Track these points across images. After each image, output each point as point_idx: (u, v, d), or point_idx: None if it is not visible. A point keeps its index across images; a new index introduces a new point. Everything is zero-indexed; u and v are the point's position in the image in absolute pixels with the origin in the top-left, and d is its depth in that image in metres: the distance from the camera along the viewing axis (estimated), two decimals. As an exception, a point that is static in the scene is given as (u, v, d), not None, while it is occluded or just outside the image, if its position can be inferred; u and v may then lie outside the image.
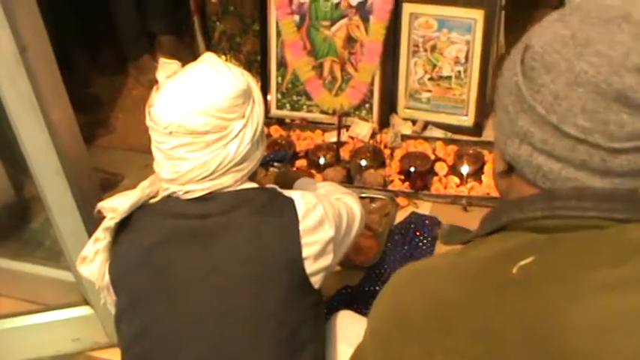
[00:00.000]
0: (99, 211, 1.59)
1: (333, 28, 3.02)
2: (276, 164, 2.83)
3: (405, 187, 2.74)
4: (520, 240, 1.01)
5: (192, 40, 3.56)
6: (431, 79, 3.04)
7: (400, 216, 2.64)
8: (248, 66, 3.41)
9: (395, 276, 1.16)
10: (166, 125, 1.45)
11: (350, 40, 3.02)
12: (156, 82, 1.54)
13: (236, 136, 1.48)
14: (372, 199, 2.68)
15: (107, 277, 1.58)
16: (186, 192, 1.51)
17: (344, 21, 3.00)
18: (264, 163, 2.80)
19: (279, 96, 3.18)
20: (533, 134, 0.99)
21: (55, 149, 1.84)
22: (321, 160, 2.87)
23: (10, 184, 2.65)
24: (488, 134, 3.04)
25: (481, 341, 0.94)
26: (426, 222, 2.58)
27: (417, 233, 2.54)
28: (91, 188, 2.02)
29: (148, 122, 1.50)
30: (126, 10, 3.58)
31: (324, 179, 2.77)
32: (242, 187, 1.55)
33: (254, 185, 1.59)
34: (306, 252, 1.52)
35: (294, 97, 3.17)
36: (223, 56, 3.45)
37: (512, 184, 1.09)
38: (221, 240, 1.50)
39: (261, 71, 3.21)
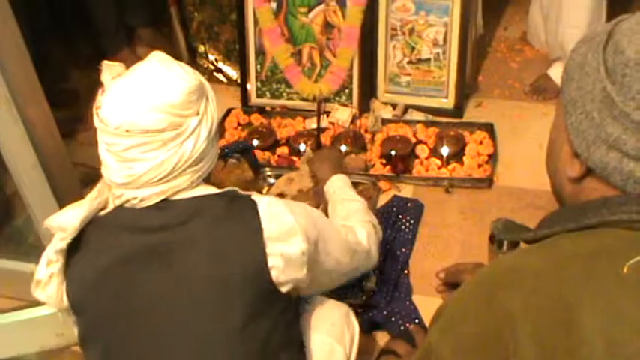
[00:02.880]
0: (47, 229, 1.51)
1: (311, 15, 3.02)
2: (235, 155, 2.67)
3: (387, 170, 2.74)
4: (617, 237, 1.01)
5: (170, 31, 3.54)
6: (410, 62, 3.04)
7: (382, 200, 2.64)
8: (227, 55, 3.40)
9: (475, 286, 1.11)
10: (118, 125, 1.38)
11: (328, 26, 3.01)
12: (101, 84, 1.47)
13: (192, 133, 1.43)
14: (355, 185, 2.67)
15: (65, 299, 1.49)
16: (142, 200, 1.44)
17: (321, 7, 2.99)
18: (223, 156, 2.73)
19: (259, 84, 3.17)
20: (625, 141, 0.98)
21: (32, 144, 1.83)
22: (302, 147, 2.86)
23: (-9, 182, 2.64)
24: (468, 115, 3.05)
25: (603, 338, 0.93)
26: (409, 205, 2.58)
27: (400, 217, 2.54)
28: (70, 182, 2.02)
29: (97, 124, 1.43)
30: (103, 3, 3.55)
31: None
32: (198, 192, 1.49)
33: (210, 190, 1.52)
34: (271, 261, 1.44)
35: (274, 85, 3.16)
36: (202, 46, 3.45)
37: (585, 189, 1.08)
38: (181, 258, 1.43)
39: (240, 60, 3.20)
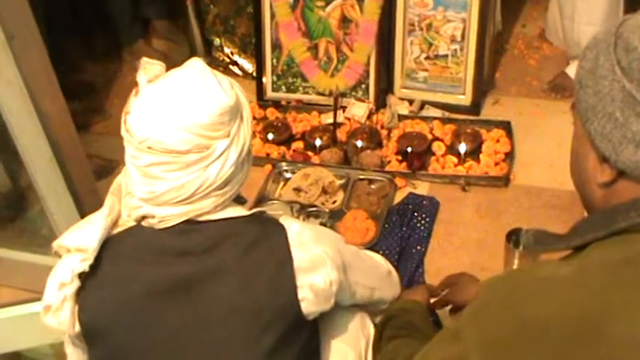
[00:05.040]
0: (56, 252, 1.39)
1: (328, 9, 3.00)
2: None
3: (403, 167, 2.72)
4: None
5: (186, 24, 3.53)
6: (427, 58, 3.02)
7: (398, 197, 2.62)
8: (243, 48, 3.39)
9: (506, 287, 1.11)
10: (142, 140, 1.30)
11: (345, 21, 3.00)
12: (135, 84, 1.37)
13: (219, 157, 1.32)
14: (371, 181, 2.67)
15: (77, 325, 1.39)
16: (161, 220, 1.36)
17: (338, 1, 2.98)
18: None
19: (275, 78, 3.16)
20: None
21: (47, 137, 1.83)
22: (318, 142, 2.85)
23: (6, 173, 2.63)
24: (485, 113, 3.03)
25: (634, 348, 0.93)
26: (424, 202, 2.56)
27: (415, 214, 2.52)
28: (84, 174, 2.01)
29: (123, 132, 1.34)
30: (119, -5, 3.56)
31: (321, 161, 2.76)
32: (225, 214, 1.40)
33: (239, 212, 1.43)
34: (301, 294, 1.39)
35: (290, 79, 3.14)
36: (218, 39, 3.44)
37: (617, 191, 1.07)
38: (208, 290, 1.36)
39: (255, 54, 3.19)
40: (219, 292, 1.36)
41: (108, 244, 1.39)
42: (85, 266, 1.35)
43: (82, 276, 1.37)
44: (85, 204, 1.76)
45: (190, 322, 1.37)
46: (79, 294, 1.38)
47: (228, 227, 1.39)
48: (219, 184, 1.35)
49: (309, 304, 1.40)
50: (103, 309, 1.39)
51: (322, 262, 1.41)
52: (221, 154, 1.33)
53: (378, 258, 1.84)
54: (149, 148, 1.30)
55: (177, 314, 1.37)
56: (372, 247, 2.37)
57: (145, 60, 1.38)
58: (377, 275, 1.77)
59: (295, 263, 1.38)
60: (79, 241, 1.36)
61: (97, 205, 1.46)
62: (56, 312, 1.38)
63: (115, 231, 1.42)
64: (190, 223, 1.37)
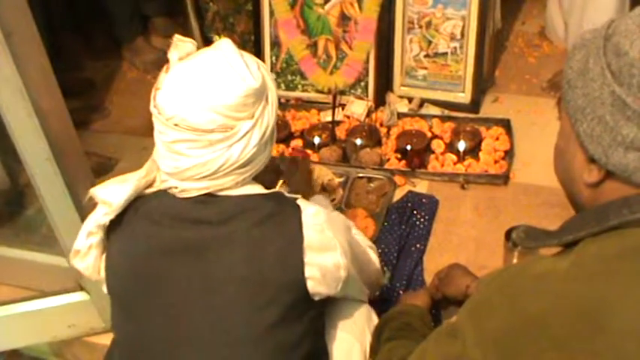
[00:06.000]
0: (91, 198, 1.49)
1: (327, 6, 2.99)
2: None
3: (402, 165, 2.72)
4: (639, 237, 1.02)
5: (185, 21, 3.52)
6: (427, 55, 3.01)
7: (397, 195, 2.62)
8: (242, 46, 3.37)
9: (503, 282, 1.13)
10: (169, 117, 1.36)
11: (344, 18, 2.99)
12: (166, 61, 1.44)
13: (242, 137, 1.38)
14: (370, 179, 2.66)
15: (103, 272, 1.52)
16: (183, 190, 1.43)
17: (337, -2, 2.97)
18: None
19: (274, 76, 3.14)
20: None
21: (45, 135, 1.82)
22: (317, 140, 2.85)
23: (4, 171, 2.63)
24: (485, 111, 3.02)
25: (633, 338, 0.95)
26: (423, 200, 2.56)
27: (415, 212, 2.52)
28: (82, 173, 2.00)
29: (152, 108, 1.41)
30: (118, -8, 3.55)
31: (320, 159, 2.75)
32: (244, 191, 1.46)
33: (257, 190, 1.49)
34: (309, 271, 1.43)
35: (289, 77, 3.14)
36: (217, 37, 3.42)
37: (605, 191, 1.08)
38: (217, 256, 1.42)
39: (255, 51, 3.17)
40: (226, 260, 1.42)
41: (136, 202, 1.47)
42: (106, 220, 1.46)
43: (109, 228, 1.49)
44: (84, 202, 1.75)
45: (197, 286, 1.43)
46: (106, 245, 1.50)
47: (245, 202, 1.45)
48: (241, 163, 1.40)
49: (316, 283, 1.45)
50: (118, 265, 1.50)
51: (333, 246, 1.46)
52: (244, 135, 1.38)
53: (374, 257, 1.86)
54: (176, 125, 1.36)
55: (185, 276, 1.43)
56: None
57: (177, 37, 1.43)
58: (371, 272, 1.82)
59: (305, 242, 1.42)
60: (107, 195, 1.46)
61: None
62: (84, 257, 1.52)
63: (147, 191, 1.49)
64: (210, 196, 1.43)
